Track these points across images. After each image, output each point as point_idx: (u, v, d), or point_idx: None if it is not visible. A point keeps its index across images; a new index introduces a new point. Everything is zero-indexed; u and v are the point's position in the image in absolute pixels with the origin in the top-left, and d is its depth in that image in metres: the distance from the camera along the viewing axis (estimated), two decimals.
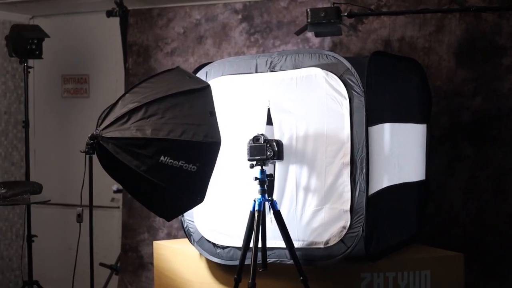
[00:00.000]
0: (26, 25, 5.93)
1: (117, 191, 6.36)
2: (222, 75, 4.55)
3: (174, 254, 4.93)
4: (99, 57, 7.09)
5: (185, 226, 4.69)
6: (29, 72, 6.06)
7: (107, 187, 6.23)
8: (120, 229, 6.52)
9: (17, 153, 7.30)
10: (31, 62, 6.38)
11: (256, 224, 4.08)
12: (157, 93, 4.07)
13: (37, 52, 5.96)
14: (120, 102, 4.13)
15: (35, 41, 5.91)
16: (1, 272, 7.21)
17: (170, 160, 3.89)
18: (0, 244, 7.23)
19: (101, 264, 6.37)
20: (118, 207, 6.77)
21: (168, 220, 4.46)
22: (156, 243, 5.15)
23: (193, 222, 4.64)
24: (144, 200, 4.27)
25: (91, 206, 4.26)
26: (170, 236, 6.08)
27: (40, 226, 7.16)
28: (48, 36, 6.04)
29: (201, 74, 4.61)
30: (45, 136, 7.49)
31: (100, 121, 4.07)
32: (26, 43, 5.88)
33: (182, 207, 4.28)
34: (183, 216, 4.64)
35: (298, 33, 4.83)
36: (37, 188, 5.17)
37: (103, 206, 6.92)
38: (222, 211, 4.50)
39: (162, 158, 3.88)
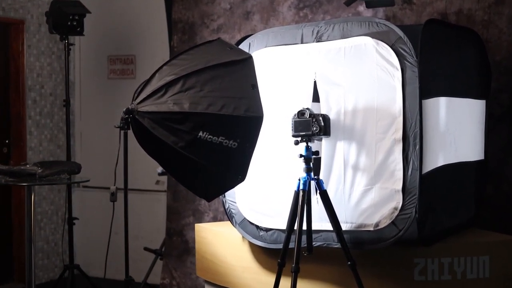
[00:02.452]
0: (67, 1, 5.72)
1: (162, 173, 6.03)
2: (265, 47, 4.33)
3: (216, 237, 4.73)
4: (144, 36, 6.99)
5: (226, 207, 4.47)
6: (70, 49, 5.90)
7: (152, 169, 6.02)
8: (165, 213, 6.35)
9: (62, 135, 7.18)
10: (74, 40, 6.26)
11: (301, 205, 3.84)
12: (196, 65, 3.85)
13: (79, 29, 5.77)
14: (157, 74, 3.91)
15: (76, 17, 5.71)
16: (47, 257, 7.17)
17: (209, 136, 3.68)
18: (46, 228, 7.17)
19: (146, 249, 6.25)
20: (164, 191, 6.60)
21: (208, 201, 4.19)
22: (198, 226, 4.95)
23: (235, 203, 4.42)
24: (183, 179, 4.05)
25: (126, 185, 3.97)
26: (215, 219, 5.88)
27: (85, 209, 7.26)
28: (89, 12, 5.86)
29: (243, 46, 4.39)
30: (91, 118, 7.44)
31: (135, 94, 3.86)
32: (67, 19, 5.68)
33: (222, 186, 4.04)
34: (224, 196, 4.43)
35: (348, 3, 4.60)
36: (75, 168, 4.91)
37: (149, 190, 6.87)
38: (265, 191, 4.26)
39: (200, 133, 3.67)
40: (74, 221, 5.94)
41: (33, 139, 6.99)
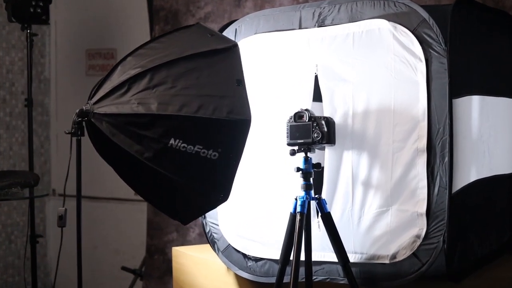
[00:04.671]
0: None
1: None
2: (255, 33, 3.72)
3: (196, 265, 4.10)
4: (127, 28, 6.53)
5: (207, 230, 3.87)
6: (33, 40, 5.37)
7: None
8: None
9: (36, 139, 6.69)
10: (50, 31, 5.95)
11: (298, 230, 3.33)
12: (167, 55, 3.33)
13: (44, 17, 5.24)
14: (119, 67, 3.39)
15: (40, 3, 5.18)
16: (18, 273, 6.65)
17: (182, 145, 3.18)
18: (17, 242, 6.67)
19: (123, 268, 5.89)
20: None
21: (184, 223, 3.60)
22: (175, 250, 4.31)
23: (218, 226, 3.84)
24: (150, 197, 3.54)
25: (78, 200, 3.42)
26: (203, 236, 5.27)
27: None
28: None
29: (228, 33, 3.79)
30: (68, 119, 6.73)
31: (92, 92, 3.36)
32: (29, 5, 5.14)
33: (200, 207, 3.50)
34: (204, 217, 3.86)
35: None
36: (31, 180, 4.35)
37: (130, 199, 6.37)
38: (254, 212, 3.73)
39: (172, 141, 3.19)
40: (38, 239, 5.45)
41: (2, 143, 6.52)
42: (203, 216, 3.83)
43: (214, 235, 3.85)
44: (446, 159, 3.23)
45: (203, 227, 3.88)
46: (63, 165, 6.32)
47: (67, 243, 6.30)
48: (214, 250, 3.85)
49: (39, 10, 5.18)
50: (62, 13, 6.53)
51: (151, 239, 5.77)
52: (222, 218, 3.83)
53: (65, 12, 6.14)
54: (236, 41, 3.62)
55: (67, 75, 6.89)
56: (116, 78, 3.30)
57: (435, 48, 3.26)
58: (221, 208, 3.66)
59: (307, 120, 3.37)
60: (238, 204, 3.72)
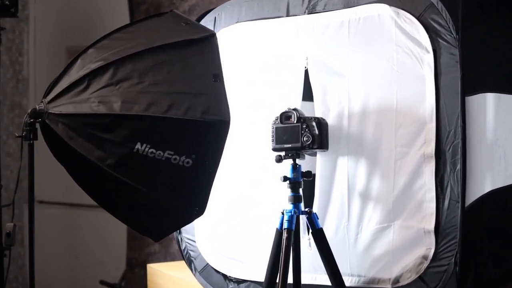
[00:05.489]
0: None
1: None
2: (237, 22, 3.53)
3: (173, 285, 3.83)
4: (110, 23, 6.10)
5: (183, 247, 3.58)
6: (0, 34, 4.98)
7: None
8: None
9: (13, 142, 6.47)
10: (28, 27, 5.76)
11: (284, 249, 3.08)
12: (134, 46, 3.03)
13: (13, 10, 4.84)
14: (79, 61, 3.10)
15: None
16: None
17: (150, 150, 2.88)
18: None
19: (102, 282, 5.63)
20: None
21: (155, 240, 3.26)
22: (150, 268, 4.05)
23: (195, 242, 3.57)
24: (115, 210, 3.15)
25: (31, 212, 3.11)
26: None
27: (41, 228, 6.35)
28: None
29: (207, 22, 3.56)
30: None
31: (48, 89, 3.08)
32: None
33: (172, 222, 3.16)
34: (179, 233, 3.58)
35: None
36: None
37: None
38: (236, 227, 3.51)
39: (138, 146, 2.88)
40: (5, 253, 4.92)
41: None
42: (178, 231, 3.57)
43: (191, 252, 3.58)
44: (458, 166, 3.02)
45: (178, 243, 3.59)
46: (43, 170, 6.25)
47: (48, 253, 6.26)
48: (191, 269, 3.58)
49: (7, 2, 4.84)
50: (41, 9, 6.39)
51: (131, 251, 5.57)
52: (199, 234, 3.57)
53: (44, 7, 5.94)
54: (215, 30, 3.39)
55: (47, 74, 6.45)
56: (75, 73, 3.00)
57: (445, 37, 3.03)
58: (198, 223, 3.39)
59: (295, 122, 3.14)
60: (217, 218, 3.49)
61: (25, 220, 6.52)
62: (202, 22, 3.52)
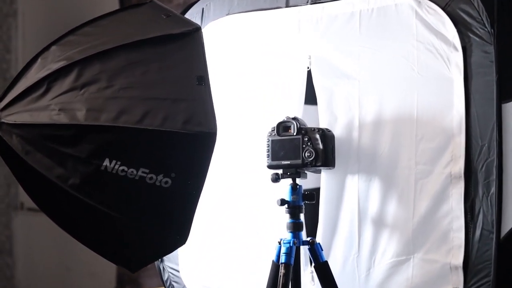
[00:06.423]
0: None
1: None
2: (227, 14, 3.18)
3: None
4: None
5: (165, 278, 3.23)
6: None
7: None
8: None
9: None
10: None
11: (282, 287, 2.70)
12: (104, 43, 2.66)
13: None
14: (39, 60, 2.72)
15: None
16: None
17: (121, 168, 2.49)
18: None
19: None
20: None
21: (132, 272, 2.83)
22: None
23: (179, 272, 3.19)
24: (83, 237, 2.74)
25: None
26: None
27: (31, 238, 6.36)
28: None
29: (192, 15, 3.20)
30: None
31: (1, 95, 2.67)
32: None
33: (149, 252, 2.76)
34: (161, 261, 3.21)
35: None
36: None
37: None
38: (225, 257, 3.12)
39: (106, 163, 2.50)
40: None
41: None
42: (159, 259, 3.21)
43: (174, 284, 3.23)
44: (493, 189, 2.66)
45: (159, 273, 3.26)
46: None
47: (39, 263, 6.07)
48: None
49: None
50: (30, 3, 6.17)
51: (122, 267, 5.17)
52: (184, 263, 3.21)
53: (33, 1, 5.75)
54: (202, 24, 3.11)
55: None
56: (33, 75, 2.63)
57: (477, 31, 2.69)
58: (182, 250, 3.04)
59: (295, 133, 2.77)
60: (204, 246, 3.15)
61: (13, 229, 6.42)
62: (188, 15, 3.16)
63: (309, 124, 2.84)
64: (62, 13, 6.23)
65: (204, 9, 3.18)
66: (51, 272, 6.24)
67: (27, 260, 6.24)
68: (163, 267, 3.21)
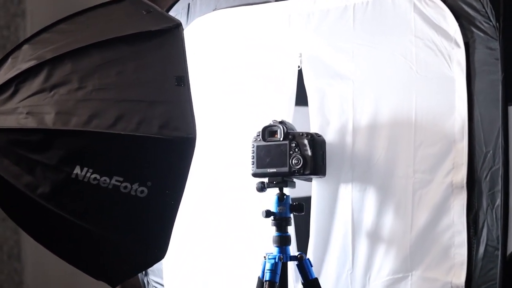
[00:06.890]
0: None
1: None
2: (214, 9, 3.02)
3: None
4: None
5: None
6: None
7: None
8: None
9: None
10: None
11: None
12: (77, 40, 2.50)
13: None
14: (9, 60, 2.52)
15: None
16: None
17: (93, 176, 2.31)
18: None
19: None
20: None
21: (112, 286, 2.62)
22: None
23: (163, 286, 3.01)
24: (56, 249, 2.56)
25: None
26: None
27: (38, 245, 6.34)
28: None
29: (179, 11, 3.05)
30: None
31: None
32: None
33: (126, 266, 2.56)
34: (145, 274, 3.03)
35: None
36: None
37: None
38: (210, 270, 2.92)
39: (77, 171, 2.32)
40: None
41: None
42: (143, 272, 3.05)
43: None
44: (498, 201, 2.51)
45: (144, 287, 3.09)
46: None
47: (47, 268, 6.07)
48: None
49: None
50: (38, 3, 5.95)
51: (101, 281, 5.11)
52: (168, 277, 3.01)
53: (42, 1, 5.38)
54: (189, 20, 2.95)
55: None
56: (2, 76, 2.47)
57: (481, 26, 2.55)
58: (166, 263, 2.87)
59: (281, 139, 2.58)
60: (189, 259, 2.97)
61: (21, 234, 6.30)
62: (173, 11, 3.02)
63: (300, 128, 2.63)
64: (70, 13, 6.25)
65: (190, 4, 3.04)
66: (60, 278, 6.31)
67: (36, 265, 6.28)
68: (147, 281, 3.04)
